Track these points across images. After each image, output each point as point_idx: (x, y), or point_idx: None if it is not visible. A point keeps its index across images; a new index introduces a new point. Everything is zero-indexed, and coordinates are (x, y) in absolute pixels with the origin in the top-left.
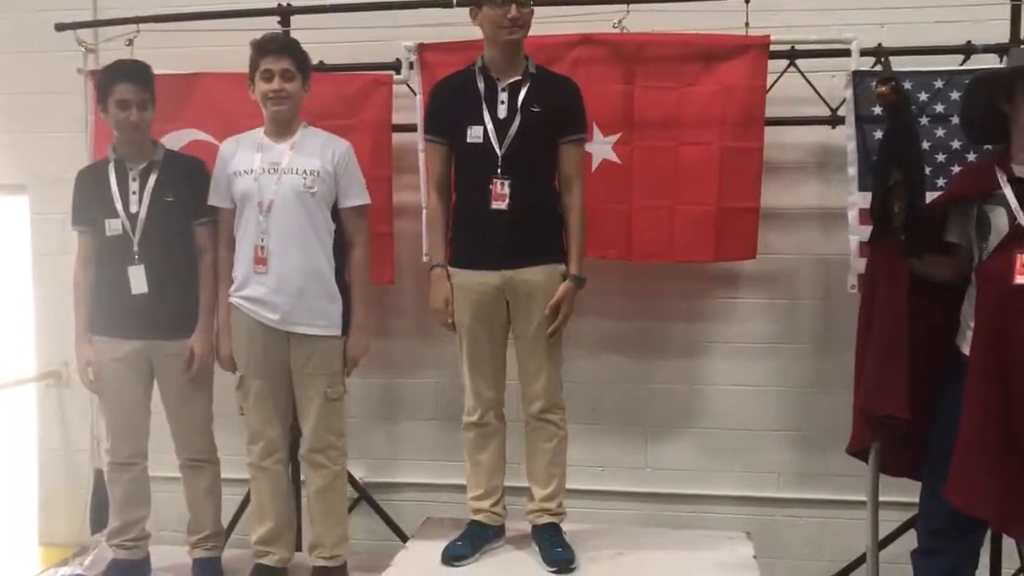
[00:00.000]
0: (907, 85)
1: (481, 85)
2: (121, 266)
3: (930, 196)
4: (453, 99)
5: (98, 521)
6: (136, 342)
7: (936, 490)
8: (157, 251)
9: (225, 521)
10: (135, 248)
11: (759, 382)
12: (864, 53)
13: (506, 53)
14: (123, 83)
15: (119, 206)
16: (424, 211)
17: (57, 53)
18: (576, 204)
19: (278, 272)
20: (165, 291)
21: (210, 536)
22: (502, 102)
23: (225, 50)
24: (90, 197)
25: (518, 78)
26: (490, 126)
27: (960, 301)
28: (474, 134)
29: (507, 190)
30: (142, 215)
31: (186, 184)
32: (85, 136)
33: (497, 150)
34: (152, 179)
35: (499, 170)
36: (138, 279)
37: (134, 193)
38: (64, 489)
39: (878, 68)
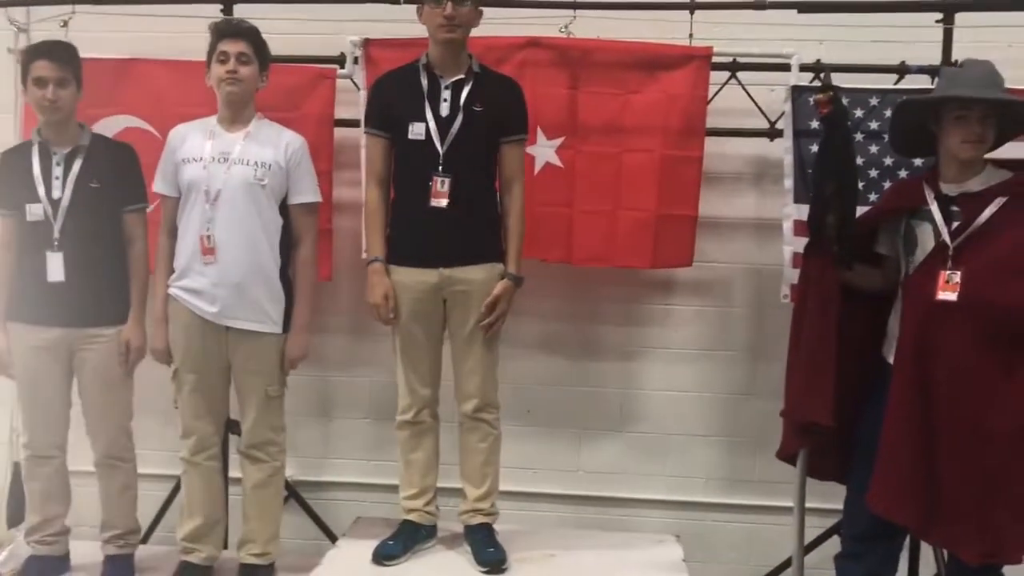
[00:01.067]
0: (844, 101)
1: (424, 82)
2: (41, 252)
3: (863, 210)
4: (396, 94)
5: (14, 516)
6: (55, 330)
7: (860, 495)
8: (79, 238)
9: (151, 515)
10: (55, 235)
11: (691, 387)
12: (803, 68)
13: (448, 51)
14: (40, 60)
15: (41, 191)
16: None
17: None
18: (516, 204)
19: (221, 264)
20: (86, 280)
21: (123, 534)
22: (444, 100)
23: (163, 36)
24: (12, 180)
25: (461, 76)
26: (432, 123)
27: (886, 310)
28: (416, 131)
29: (447, 188)
30: (65, 201)
31: (113, 170)
32: (14, 118)
33: (439, 148)
34: (77, 164)
35: (440, 168)
36: (55, 266)
37: (57, 178)
38: None
39: (817, 83)
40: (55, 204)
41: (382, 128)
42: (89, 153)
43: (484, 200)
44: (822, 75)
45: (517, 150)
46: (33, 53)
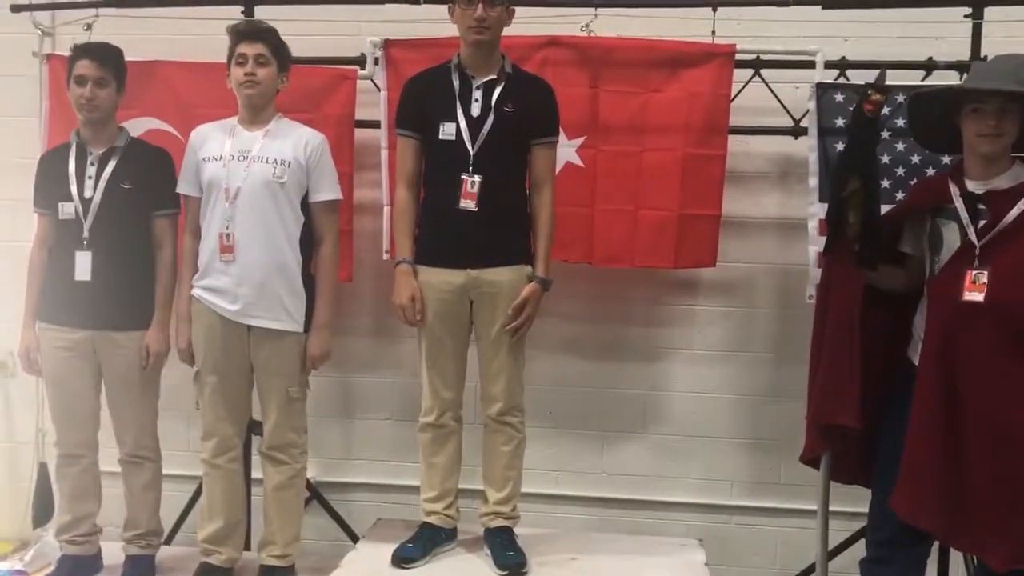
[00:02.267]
0: None
1: (456, 82)
2: (70, 251)
3: (887, 208)
4: (427, 94)
5: (41, 516)
6: (83, 332)
7: (885, 500)
8: (108, 239)
9: (173, 517)
10: (85, 234)
11: (716, 389)
12: (828, 65)
13: (479, 52)
14: (83, 59)
15: (74, 189)
16: (386, 208)
17: (12, 35)
18: (546, 206)
19: (242, 262)
20: (113, 280)
21: (145, 534)
22: (476, 100)
23: (186, 39)
24: (50, 179)
25: (493, 77)
26: (463, 124)
27: (912, 310)
28: (446, 131)
29: (476, 188)
30: (96, 200)
31: (147, 173)
32: (39, 121)
33: (469, 148)
34: (111, 165)
35: (470, 168)
36: (83, 265)
37: (90, 178)
38: (7, 482)
39: (844, 79)
40: (86, 203)
41: (413, 129)
42: (124, 155)
43: (513, 201)
44: (881, 73)
45: (548, 152)
46: (78, 53)
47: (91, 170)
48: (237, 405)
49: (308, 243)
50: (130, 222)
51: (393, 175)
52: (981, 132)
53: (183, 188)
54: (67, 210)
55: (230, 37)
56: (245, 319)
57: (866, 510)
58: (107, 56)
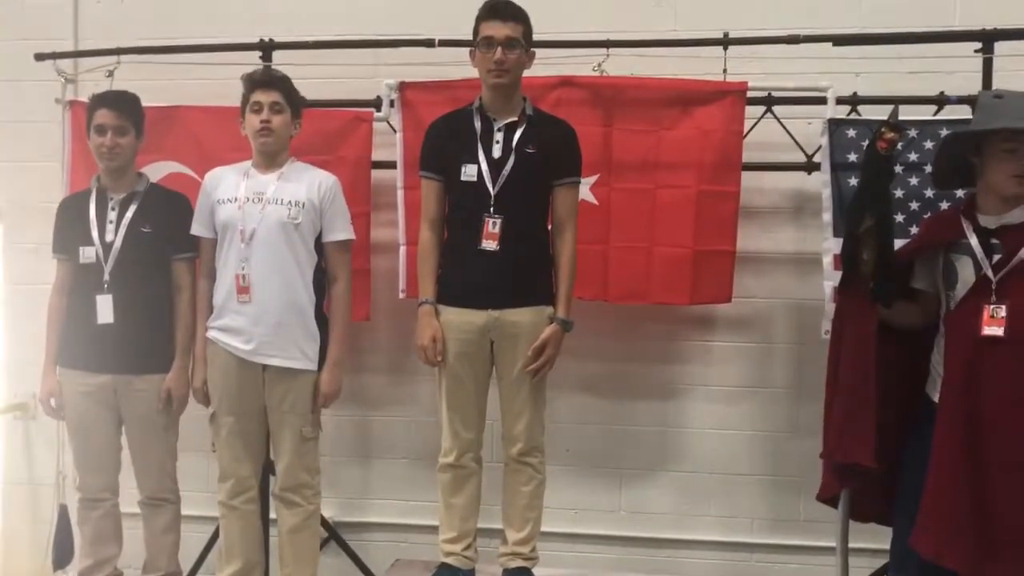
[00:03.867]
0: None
1: (478, 125)
2: (91, 295)
3: (901, 243)
4: (450, 137)
5: (61, 558)
6: (103, 376)
7: (906, 538)
8: (129, 282)
9: (193, 558)
10: (106, 277)
11: (734, 426)
12: (840, 101)
13: (499, 95)
14: (101, 108)
15: (95, 234)
16: (402, 247)
17: (36, 82)
18: (567, 247)
19: (257, 303)
20: (134, 324)
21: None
22: (497, 142)
23: (206, 84)
24: (70, 225)
25: (514, 119)
26: (484, 165)
27: (928, 346)
28: (468, 172)
29: (498, 229)
30: (117, 244)
31: (166, 217)
32: (62, 166)
33: (490, 189)
34: (131, 210)
35: (491, 209)
36: (105, 308)
37: (111, 222)
38: (27, 524)
39: (855, 115)
40: (107, 247)
41: (435, 171)
42: (144, 199)
43: (535, 242)
44: (894, 109)
45: (570, 193)
46: (96, 102)
47: (112, 215)
48: (253, 446)
49: (322, 283)
50: (150, 266)
51: (409, 215)
52: (1018, 172)
53: (197, 230)
54: (88, 254)
55: (244, 85)
56: (260, 358)
57: (888, 547)
58: (125, 104)
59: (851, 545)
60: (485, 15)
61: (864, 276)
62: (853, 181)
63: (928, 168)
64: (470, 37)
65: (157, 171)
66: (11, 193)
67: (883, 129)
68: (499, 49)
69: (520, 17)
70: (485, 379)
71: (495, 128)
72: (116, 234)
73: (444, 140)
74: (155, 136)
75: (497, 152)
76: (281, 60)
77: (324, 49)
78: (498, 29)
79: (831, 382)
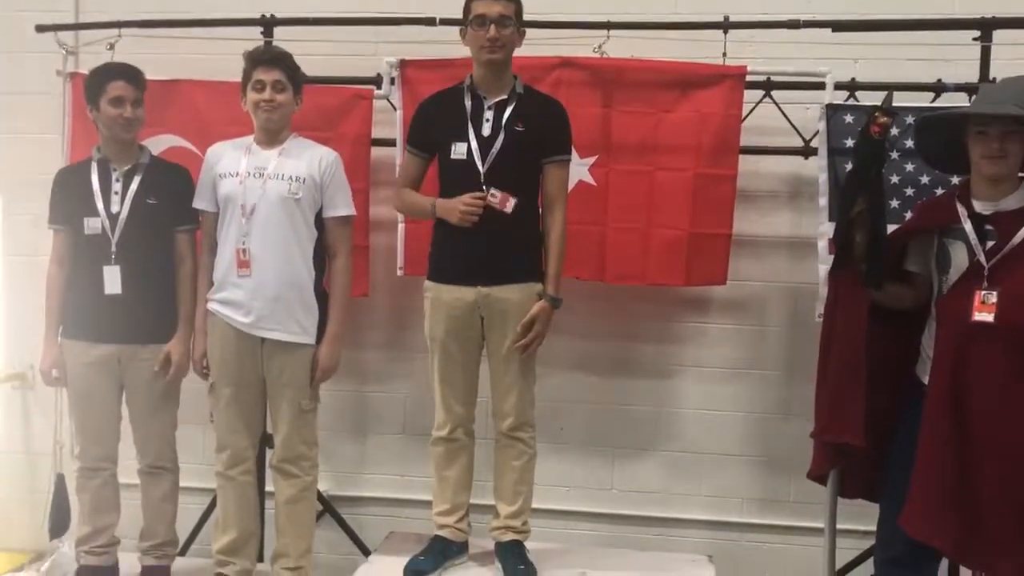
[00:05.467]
0: None
1: (468, 103)
2: (97, 266)
3: (893, 228)
4: (439, 115)
5: (57, 527)
6: (108, 346)
7: (894, 518)
8: (135, 253)
9: (188, 529)
10: (113, 248)
11: (726, 406)
12: (838, 87)
13: (491, 72)
14: (118, 80)
15: (100, 205)
16: (401, 224)
17: (36, 54)
18: (557, 225)
19: (257, 277)
20: (140, 295)
21: (162, 544)
22: (487, 120)
23: (206, 58)
24: (69, 196)
25: (504, 97)
26: (474, 143)
27: (919, 328)
28: (458, 151)
29: (496, 200)
30: (123, 215)
31: (169, 190)
32: (61, 138)
33: (480, 167)
34: (136, 181)
35: (482, 187)
36: (112, 279)
37: (116, 193)
38: (24, 493)
39: (853, 101)
40: (113, 218)
41: (420, 147)
42: (148, 172)
43: (525, 219)
44: (888, 95)
45: (559, 171)
46: (109, 73)
47: (117, 186)
48: (251, 418)
49: (321, 258)
50: (155, 237)
51: None
52: (985, 154)
53: (199, 203)
54: (93, 225)
55: (246, 62)
56: (258, 331)
57: (875, 528)
58: (139, 77)
59: (839, 526)
60: None
61: (856, 259)
62: (850, 166)
63: None
64: None
65: (157, 145)
66: (10, 165)
67: (876, 114)
68: (492, 27)
69: None
70: (476, 354)
71: (485, 106)
72: (122, 205)
73: (433, 118)
74: (155, 110)
75: (487, 130)
76: (282, 36)
77: (325, 26)
78: (490, 7)
79: (823, 362)
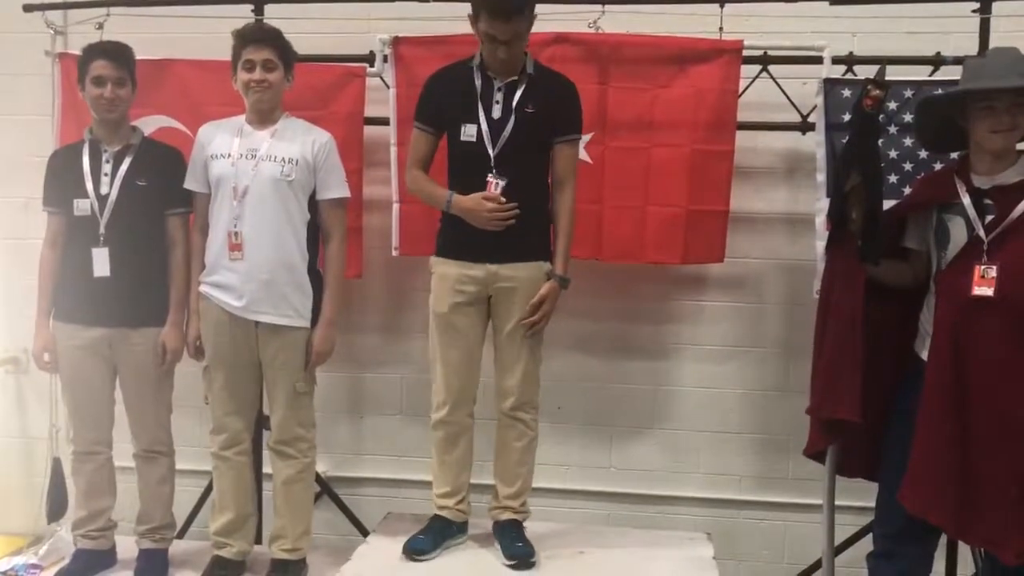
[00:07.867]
0: None
1: (478, 83)
2: (86, 249)
3: (890, 203)
4: (450, 93)
5: (54, 510)
6: (99, 329)
7: (892, 493)
8: (124, 235)
9: (185, 511)
10: (101, 230)
11: (724, 384)
12: (836, 61)
13: (500, 61)
14: (99, 59)
15: (89, 186)
16: (395, 204)
17: (24, 34)
18: (567, 204)
19: (249, 260)
20: (130, 277)
21: (159, 527)
22: (497, 102)
23: (197, 37)
24: (62, 177)
25: (515, 78)
26: (484, 126)
27: (918, 304)
28: (468, 132)
29: (499, 191)
30: (112, 197)
31: (161, 171)
32: (52, 120)
33: (490, 151)
34: (126, 162)
35: (493, 170)
36: (101, 261)
37: (106, 175)
38: (21, 477)
39: (851, 75)
40: (103, 200)
41: (431, 124)
42: (139, 152)
43: (534, 199)
44: (881, 68)
45: (570, 150)
46: (92, 53)
47: (106, 167)
48: (246, 400)
49: (315, 240)
50: (145, 219)
51: (402, 172)
52: (995, 128)
53: (191, 184)
54: (82, 207)
55: (235, 40)
56: (251, 315)
57: (874, 504)
58: (122, 55)
59: (837, 502)
60: None
61: (852, 234)
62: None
63: None
64: None
65: (148, 125)
66: None
67: (869, 87)
68: (502, 47)
69: None
70: (480, 334)
71: (495, 87)
72: (111, 187)
73: (444, 97)
74: (146, 89)
75: (497, 112)
76: (273, 13)
77: (317, 2)
78: (503, 31)
79: (819, 338)
